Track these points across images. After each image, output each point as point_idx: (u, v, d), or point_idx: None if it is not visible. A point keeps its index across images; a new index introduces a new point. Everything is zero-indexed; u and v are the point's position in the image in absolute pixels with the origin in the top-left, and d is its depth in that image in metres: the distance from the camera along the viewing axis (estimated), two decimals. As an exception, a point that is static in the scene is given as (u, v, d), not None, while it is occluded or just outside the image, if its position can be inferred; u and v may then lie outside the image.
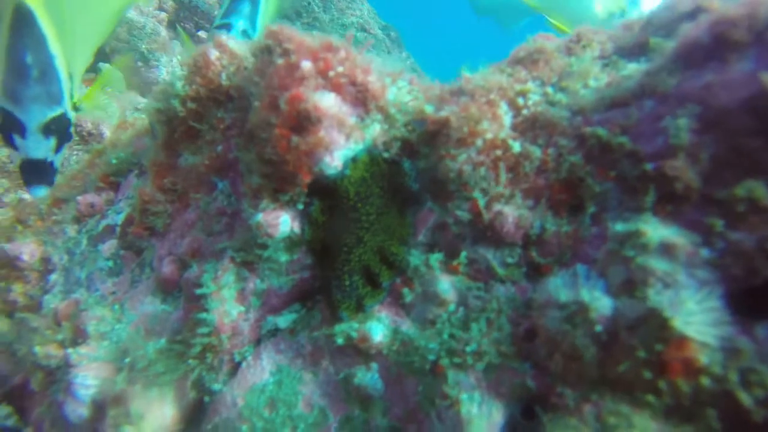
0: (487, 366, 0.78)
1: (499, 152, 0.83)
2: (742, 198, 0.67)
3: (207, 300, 0.93)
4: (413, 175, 0.90)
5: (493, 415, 0.75)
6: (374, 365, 0.86)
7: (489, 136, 0.83)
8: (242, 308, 0.96)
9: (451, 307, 0.83)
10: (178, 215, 1.14)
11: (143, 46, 4.67)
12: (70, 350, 1.02)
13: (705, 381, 0.63)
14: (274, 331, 0.97)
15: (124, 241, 1.20)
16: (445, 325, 0.82)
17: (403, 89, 0.95)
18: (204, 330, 0.92)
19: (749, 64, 0.70)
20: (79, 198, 1.33)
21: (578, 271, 0.77)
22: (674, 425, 0.64)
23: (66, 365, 1.02)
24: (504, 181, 0.82)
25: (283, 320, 0.95)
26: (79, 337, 1.08)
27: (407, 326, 0.86)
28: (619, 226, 0.73)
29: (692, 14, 0.95)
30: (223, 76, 1.08)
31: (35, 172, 1.68)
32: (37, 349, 1.07)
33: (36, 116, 1.61)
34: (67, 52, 1.68)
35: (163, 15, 4.96)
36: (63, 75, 1.65)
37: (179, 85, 1.06)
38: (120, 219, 1.25)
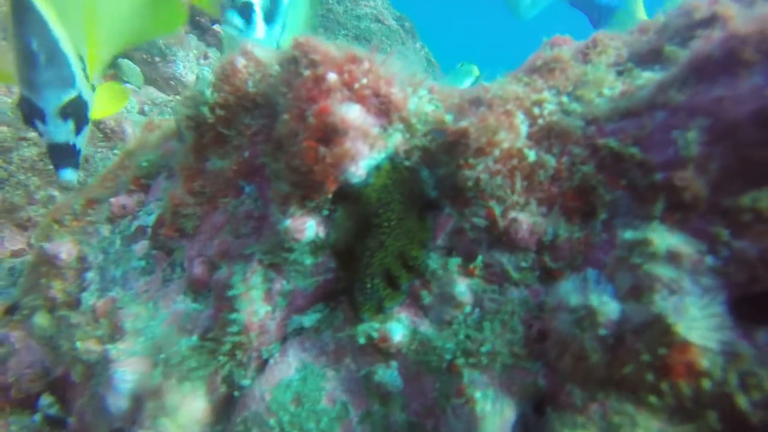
0: (501, 365, 0.82)
1: (515, 161, 0.87)
2: (747, 208, 0.70)
3: (237, 300, 0.99)
4: (432, 183, 0.94)
5: (505, 412, 0.80)
6: (394, 363, 0.91)
7: (506, 145, 0.87)
8: (269, 308, 1.01)
9: (467, 308, 0.88)
10: (207, 218, 1.20)
11: (161, 41, 4.75)
12: (109, 346, 1.09)
13: (706, 383, 0.67)
14: (300, 330, 1.03)
15: (156, 241, 1.27)
16: (461, 326, 0.87)
17: (424, 98, 0.98)
18: (234, 329, 0.98)
19: (758, 79, 0.72)
20: (112, 200, 1.40)
21: (589, 275, 0.81)
22: (676, 425, 0.68)
23: (105, 360, 1.09)
24: (519, 189, 0.86)
25: (308, 320, 1.01)
26: (116, 333, 1.15)
27: (425, 327, 0.91)
28: (628, 234, 0.77)
29: (708, 22, 0.97)
30: (250, 83, 1.13)
31: (61, 155, 1.73)
32: (79, 344, 1.15)
33: (52, 100, 1.64)
34: (73, 34, 1.70)
35: (181, 10, 5.00)
36: (71, 57, 1.67)
37: (208, 93, 1.11)
38: (151, 220, 1.31)
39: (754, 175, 0.71)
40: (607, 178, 0.83)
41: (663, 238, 0.73)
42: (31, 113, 1.64)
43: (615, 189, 0.82)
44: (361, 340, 0.91)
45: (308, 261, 0.98)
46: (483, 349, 0.83)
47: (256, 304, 1.01)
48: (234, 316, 0.99)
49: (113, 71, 4.74)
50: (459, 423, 0.84)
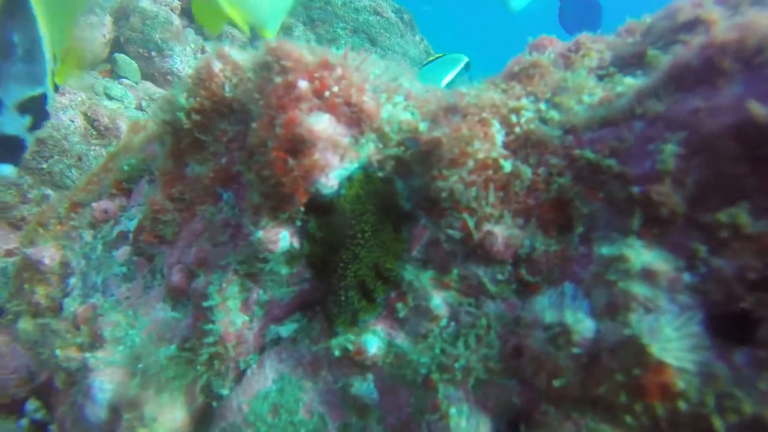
0: (476, 381, 0.81)
1: (490, 172, 0.85)
2: (725, 224, 0.68)
3: (213, 311, 0.98)
4: (406, 193, 0.92)
5: (480, 428, 0.78)
6: (370, 376, 0.90)
7: (480, 156, 0.84)
8: (246, 318, 1.00)
9: (443, 322, 0.86)
10: (186, 224, 1.18)
11: (157, 36, 4.71)
12: (88, 354, 1.09)
13: (682, 405, 0.65)
14: (277, 340, 1.02)
15: (137, 247, 1.26)
16: (437, 339, 0.85)
17: (399, 105, 0.96)
18: (210, 339, 0.97)
19: (737, 90, 0.70)
20: (94, 204, 1.39)
21: (566, 290, 0.79)
22: (648, 449, 0.67)
23: (85, 368, 1.09)
24: (494, 201, 0.84)
25: (285, 330, 1.00)
26: (96, 341, 1.14)
27: (401, 339, 0.89)
28: (605, 249, 0.75)
29: (691, 25, 0.94)
30: (227, 87, 1.11)
31: (3, 147, 1.71)
32: (58, 352, 1.14)
33: (15, 94, 1.63)
34: (54, 34, 1.69)
35: (176, 3, 4.98)
36: (48, 56, 1.66)
37: (182, 98, 1.09)
38: (132, 225, 1.30)
39: (732, 190, 0.68)
40: (585, 190, 0.81)
41: (639, 254, 0.71)
42: None
43: (593, 201, 0.80)
44: (337, 353, 0.90)
45: (284, 271, 0.97)
46: (458, 364, 0.82)
47: (233, 315, 0.99)
48: (210, 326, 0.98)
49: (109, 66, 4.71)
50: (433, 438, 0.82)
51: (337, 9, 5.56)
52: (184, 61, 4.86)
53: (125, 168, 1.42)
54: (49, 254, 1.38)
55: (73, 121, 2.77)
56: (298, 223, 0.92)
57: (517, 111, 0.89)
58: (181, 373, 1.02)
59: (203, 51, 5.16)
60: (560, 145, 0.85)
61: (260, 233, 0.90)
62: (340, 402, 0.94)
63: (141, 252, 1.26)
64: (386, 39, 5.56)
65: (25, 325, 1.37)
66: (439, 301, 0.86)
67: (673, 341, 0.66)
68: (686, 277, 0.70)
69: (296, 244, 0.94)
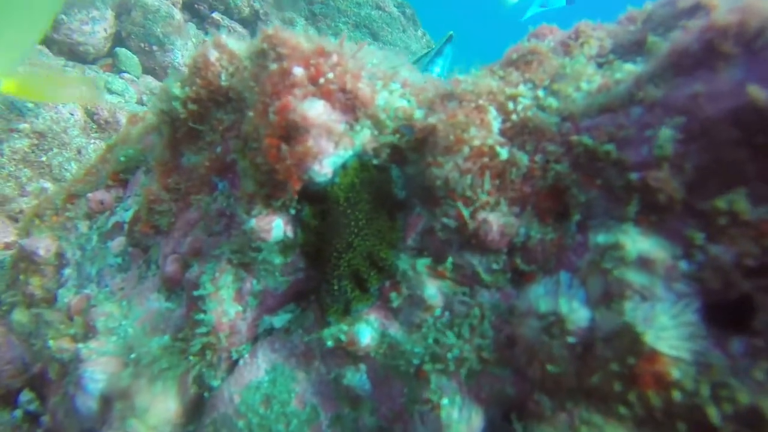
0: (469, 371, 0.80)
1: (486, 159, 0.83)
2: (723, 210, 0.67)
3: (205, 301, 0.97)
4: (401, 181, 0.91)
5: (472, 419, 0.77)
6: (363, 366, 0.89)
7: (476, 143, 0.83)
8: (240, 308, 0.99)
9: (437, 311, 0.85)
10: (181, 214, 1.17)
11: (158, 30, 4.70)
12: (80, 345, 1.08)
13: (676, 394, 0.64)
14: (270, 330, 1.01)
15: (132, 238, 1.25)
16: (431, 329, 0.84)
17: (395, 93, 0.95)
18: (203, 329, 0.96)
19: (737, 74, 0.68)
20: (90, 195, 1.38)
21: (561, 279, 0.78)
22: (642, 439, 0.66)
23: (77, 359, 1.08)
24: (490, 188, 0.83)
25: (279, 320, 0.99)
26: (89, 331, 1.14)
27: (395, 329, 0.88)
28: (600, 237, 0.73)
29: (691, 11, 0.92)
30: (223, 76, 1.10)
31: None
32: (51, 342, 1.13)
33: None
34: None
35: (178, -2, 4.96)
36: None
37: (177, 88, 1.08)
38: (128, 216, 1.29)
39: (731, 176, 0.67)
40: (582, 178, 0.79)
41: (635, 242, 0.70)
42: None
43: (590, 189, 0.79)
44: (329, 343, 0.89)
45: (278, 260, 0.95)
46: (451, 354, 0.81)
47: (226, 304, 0.98)
48: (203, 316, 0.97)
49: (110, 61, 4.70)
50: (426, 429, 0.81)
51: (339, 3, 5.54)
52: (185, 55, 4.85)
53: (122, 159, 1.42)
54: (44, 245, 1.38)
55: (72, 114, 2.76)
56: (292, 212, 0.91)
57: (514, 98, 0.87)
58: (174, 363, 1.01)
59: (204, 46, 5.14)
60: (557, 132, 0.83)
61: (253, 221, 0.89)
62: (332, 393, 0.93)
63: (136, 242, 1.25)
64: (388, 33, 5.54)
65: (20, 316, 1.37)
66: (433, 290, 0.85)
67: (668, 330, 0.64)
68: (683, 264, 0.68)
69: (290, 233, 0.93)
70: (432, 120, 0.84)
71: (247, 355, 0.99)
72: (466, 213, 0.81)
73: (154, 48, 4.76)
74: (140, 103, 4.45)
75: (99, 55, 4.42)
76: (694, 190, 0.70)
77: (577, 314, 0.70)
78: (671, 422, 0.65)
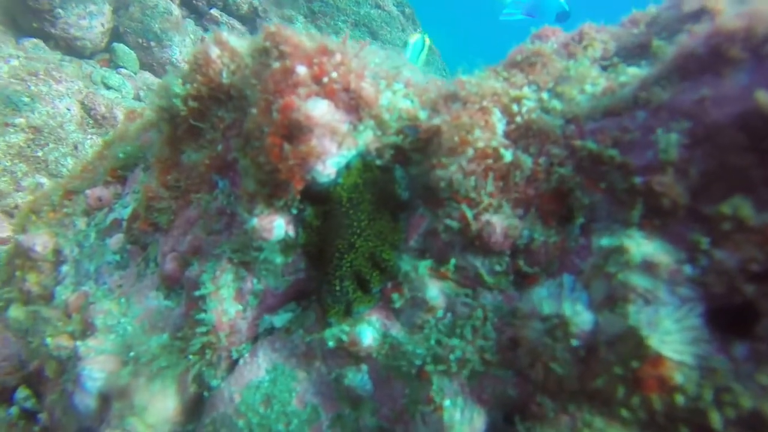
0: (471, 373, 0.80)
1: (490, 161, 0.83)
2: (727, 216, 0.67)
3: (206, 300, 0.96)
4: (404, 183, 0.90)
5: (474, 421, 0.77)
6: (364, 367, 0.89)
7: (480, 144, 0.83)
8: (240, 307, 0.99)
9: (439, 312, 0.85)
10: (181, 212, 1.16)
11: (156, 26, 4.68)
12: (79, 343, 1.07)
13: (679, 399, 0.64)
14: (271, 330, 1.00)
15: (131, 235, 1.24)
16: (433, 330, 0.84)
17: (399, 93, 0.94)
18: (203, 329, 0.96)
19: (744, 79, 0.68)
20: (88, 191, 1.37)
21: (564, 281, 0.78)
22: (645, 443, 0.66)
23: (75, 357, 1.07)
24: (493, 190, 0.83)
25: (279, 319, 0.98)
26: (88, 329, 1.13)
27: (396, 330, 0.88)
28: (604, 241, 0.73)
29: (697, 15, 0.92)
30: (224, 74, 1.09)
31: None
32: (49, 340, 1.13)
33: None
34: None
35: (176, -6, 4.94)
36: None
37: (178, 85, 1.07)
38: (126, 213, 1.28)
39: (736, 182, 0.67)
40: (586, 181, 0.79)
41: (639, 245, 0.70)
42: None
43: (593, 192, 0.79)
44: (331, 344, 0.88)
45: (279, 260, 0.95)
46: (453, 356, 0.81)
47: (226, 303, 0.98)
48: (202, 316, 0.96)
49: (108, 56, 4.68)
50: (428, 430, 0.81)
51: (339, 2, 5.53)
52: (183, 51, 4.82)
53: (120, 155, 1.41)
54: (41, 241, 1.36)
55: (69, 110, 2.74)
56: (294, 212, 0.91)
57: (518, 100, 0.87)
58: (173, 362, 1.01)
59: (203, 41, 5.13)
60: (562, 135, 0.83)
61: (255, 221, 0.89)
62: (333, 393, 0.93)
63: (135, 240, 1.24)
64: (387, 32, 5.54)
65: (16, 313, 1.36)
66: (435, 291, 0.85)
67: (672, 334, 0.64)
68: (687, 269, 0.68)
69: (291, 232, 0.93)
70: (436, 121, 0.84)
71: (247, 355, 0.99)
72: (469, 214, 0.81)
73: (152, 44, 4.73)
74: (137, 98, 4.42)
75: (96, 50, 4.39)
76: (698, 194, 0.70)
77: (581, 317, 0.70)
78: (674, 426, 0.65)
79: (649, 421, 0.66)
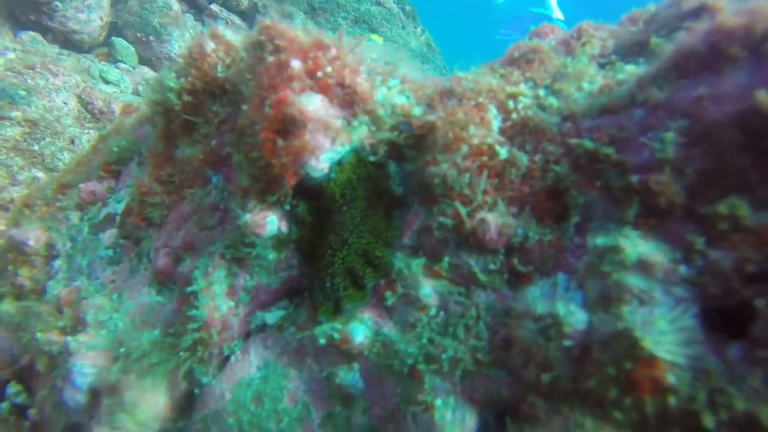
0: (463, 372, 0.79)
1: (485, 158, 0.82)
2: (724, 215, 0.66)
3: (198, 296, 0.95)
4: (398, 178, 0.89)
5: (466, 421, 0.76)
6: (356, 365, 0.88)
7: (475, 141, 0.82)
8: (232, 303, 0.98)
9: (432, 311, 0.84)
10: (174, 207, 1.15)
11: (155, 20, 4.66)
12: (69, 338, 1.06)
13: (672, 400, 0.63)
14: (263, 327, 0.99)
15: (124, 230, 1.23)
16: (425, 329, 0.83)
17: (394, 89, 0.93)
18: (194, 325, 0.95)
19: (743, 77, 0.67)
20: (81, 186, 1.36)
21: (559, 280, 0.77)
22: (637, 445, 0.65)
23: (66, 352, 1.06)
24: (488, 188, 0.82)
25: (271, 316, 0.97)
26: (79, 324, 1.12)
27: (389, 328, 0.87)
28: (599, 240, 0.72)
29: (696, 12, 0.91)
30: (219, 68, 1.08)
31: None
32: (40, 335, 1.12)
33: None
34: None
35: (176, -12, 4.91)
36: None
37: (172, 79, 1.06)
38: (120, 208, 1.27)
39: (733, 181, 0.66)
40: (582, 179, 0.79)
41: (634, 245, 0.69)
42: None
43: (589, 190, 0.78)
44: (322, 341, 0.88)
45: (271, 256, 0.94)
46: (446, 355, 0.80)
47: (219, 300, 0.97)
48: (194, 312, 0.95)
49: (106, 50, 4.65)
50: (419, 430, 0.80)
51: (339, -1, 5.50)
52: (182, 46, 4.80)
53: (115, 149, 1.39)
54: (34, 236, 1.35)
55: (66, 104, 2.73)
56: (287, 207, 0.90)
57: (514, 97, 0.86)
58: (164, 358, 1.00)
59: (202, 37, 5.09)
60: (558, 133, 0.82)
61: (247, 216, 0.88)
62: (325, 391, 0.92)
63: (128, 235, 1.23)
64: (387, 30, 5.51)
65: (8, 307, 1.34)
66: (428, 289, 0.84)
67: (666, 334, 0.64)
68: (682, 269, 0.67)
69: (284, 228, 0.92)
70: (431, 117, 0.83)
71: (238, 352, 0.98)
72: (463, 212, 0.80)
73: (151, 38, 4.71)
74: (136, 93, 4.40)
75: (94, 44, 4.37)
76: (695, 194, 0.69)
77: (575, 317, 0.69)
78: (666, 428, 0.64)
79: (641, 423, 0.65)
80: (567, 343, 0.69)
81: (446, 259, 0.85)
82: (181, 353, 0.98)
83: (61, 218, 1.38)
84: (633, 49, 0.98)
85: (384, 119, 0.88)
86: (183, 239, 1.08)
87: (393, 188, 0.89)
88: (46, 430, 1.16)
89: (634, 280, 0.67)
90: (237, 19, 5.40)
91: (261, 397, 0.92)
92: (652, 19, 1.01)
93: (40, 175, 2.60)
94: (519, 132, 0.85)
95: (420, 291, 0.84)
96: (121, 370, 1.00)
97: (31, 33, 3.73)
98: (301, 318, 0.96)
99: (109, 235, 1.26)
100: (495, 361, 0.78)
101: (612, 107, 0.80)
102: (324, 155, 0.83)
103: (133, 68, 4.70)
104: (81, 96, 2.94)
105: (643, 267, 0.67)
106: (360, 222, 0.87)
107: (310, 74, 0.86)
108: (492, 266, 0.83)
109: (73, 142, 2.74)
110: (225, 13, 5.35)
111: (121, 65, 4.56)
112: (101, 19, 4.27)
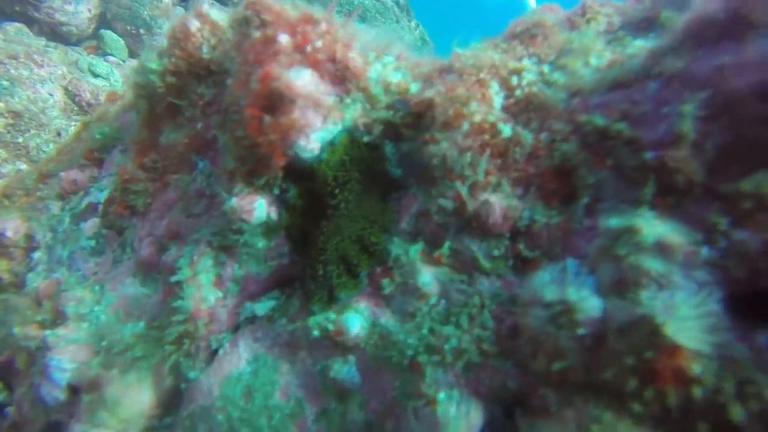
0: (467, 364, 0.74)
1: (487, 137, 0.77)
2: (748, 194, 0.61)
3: (183, 286, 0.90)
4: (395, 159, 0.84)
5: (471, 415, 0.71)
6: (352, 358, 0.83)
7: (477, 118, 0.77)
8: (220, 294, 0.92)
9: (433, 299, 0.79)
10: (158, 195, 1.10)
11: (145, 13, 4.57)
12: (47, 332, 1.00)
13: (697, 391, 0.58)
14: (252, 318, 0.94)
15: (107, 220, 1.17)
16: (425, 318, 0.78)
17: (389, 66, 0.88)
18: (180, 317, 0.89)
19: (767, 44, 0.63)
20: (63, 174, 1.30)
21: (568, 266, 0.72)
22: (659, 441, 0.60)
23: (44, 347, 1.00)
24: (491, 168, 0.77)
25: (261, 307, 0.92)
26: (59, 318, 1.06)
27: (386, 318, 0.82)
28: (613, 221, 0.67)
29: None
30: (204, 48, 1.03)
31: None
32: (17, 329, 1.06)
33: None
34: None
35: (166, -20, 4.82)
36: None
37: (154, 61, 1.01)
38: (103, 197, 1.21)
39: (757, 157, 0.61)
40: (591, 158, 0.73)
41: (652, 226, 0.64)
42: None
43: (599, 169, 0.73)
44: (315, 333, 0.82)
45: (260, 244, 0.89)
46: (448, 345, 0.75)
47: (205, 290, 0.91)
48: (179, 303, 0.90)
49: (95, 43, 4.56)
50: (420, 426, 0.75)
51: (332, -9, 5.44)
52: (172, 40, 4.71)
53: (97, 137, 1.33)
54: (13, 226, 1.29)
55: (52, 95, 2.65)
56: (276, 191, 0.84)
57: (518, 72, 0.81)
58: (149, 351, 0.94)
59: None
60: (565, 110, 0.77)
61: (234, 200, 0.82)
62: (319, 385, 0.86)
63: (111, 224, 1.17)
64: (381, 23, 5.45)
65: (-13, 301, 1.28)
66: (428, 277, 0.79)
67: (689, 321, 0.59)
68: (704, 251, 0.63)
69: (274, 214, 0.86)
70: (429, 93, 0.78)
71: (227, 345, 0.92)
72: (464, 193, 0.75)
73: (141, 31, 4.62)
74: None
75: (83, 37, 4.27)
76: (716, 171, 0.65)
77: (588, 303, 0.64)
78: (690, 422, 0.59)
79: (663, 416, 0.60)
80: (580, 331, 0.64)
81: (447, 244, 0.79)
82: (167, 346, 0.92)
83: (42, 208, 1.32)
84: (641, 26, 0.93)
85: (379, 97, 0.82)
86: (168, 227, 1.02)
87: (389, 170, 0.84)
88: (25, 428, 1.10)
89: (652, 263, 0.62)
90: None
91: (251, 392, 0.87)
92: (660, -6, 0.96)
93: (24, 167, 2.53)
94: (523, 109, 0.80)
95: (419, 279, 0.79)
96: (101, 365, 0.94)
97: (17, 24, 3.64)
98: (293, 309, 0.91)
99: (91, 225, 1.20)
100: (501, 352, 0.73)
101: (623, 81, 0.75)
102: (314, 134, 0.78)
103: (123, 61, 4.61)
104: (68, 88, 2.87)
105: (661, 249, 0.62)
106: (354, 206, 0.82)
107: (299, 49, 0.81)
108: (496, 252, 0.78)
109: (59, 134, 2.67)
110: (217, 6, 5.27)
111: (111, 58, 4.47)
112: (89, 11, 4.17)
